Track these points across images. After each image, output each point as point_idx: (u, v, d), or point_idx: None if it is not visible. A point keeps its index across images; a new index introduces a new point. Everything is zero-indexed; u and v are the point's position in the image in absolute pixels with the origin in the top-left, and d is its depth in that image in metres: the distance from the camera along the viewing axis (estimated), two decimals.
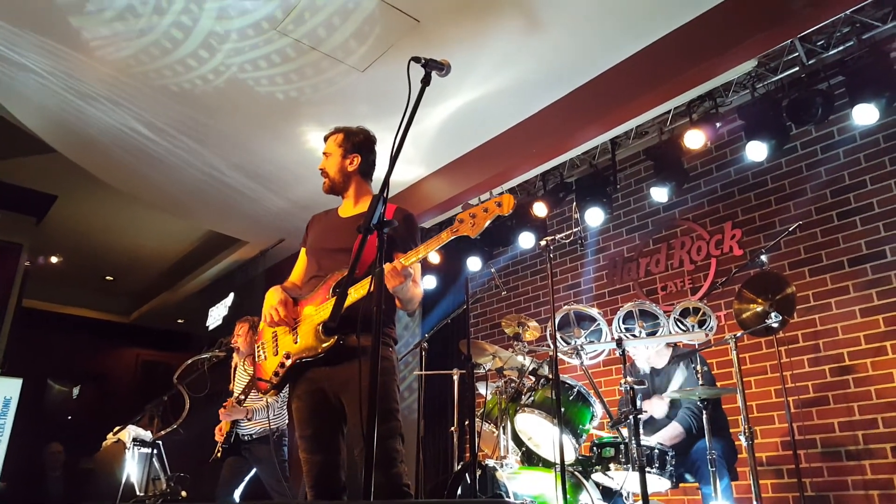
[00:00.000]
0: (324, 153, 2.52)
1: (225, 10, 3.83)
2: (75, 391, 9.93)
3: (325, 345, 2.16)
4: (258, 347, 2.43)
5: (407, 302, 2.29)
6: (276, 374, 2.28)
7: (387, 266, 2.03)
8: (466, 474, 3.22)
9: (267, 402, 4.12)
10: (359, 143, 2.51)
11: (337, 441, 2.24)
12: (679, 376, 3.61)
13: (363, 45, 4.09)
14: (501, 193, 2.04)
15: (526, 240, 5.65)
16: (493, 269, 4.84)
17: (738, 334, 3.14)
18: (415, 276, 2.26)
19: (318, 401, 2.24)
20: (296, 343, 2.25)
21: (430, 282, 6.50)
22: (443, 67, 1.87)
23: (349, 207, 2.52)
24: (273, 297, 2.31)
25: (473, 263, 6.06)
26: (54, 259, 8.34)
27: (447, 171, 5.64)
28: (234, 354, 4.30)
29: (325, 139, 2.56)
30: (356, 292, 2.10)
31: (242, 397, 4.12)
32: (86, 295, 9.96)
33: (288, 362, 2.25)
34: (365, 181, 2.55)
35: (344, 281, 1.75)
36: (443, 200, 5.66)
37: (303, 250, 2.57)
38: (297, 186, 5.90)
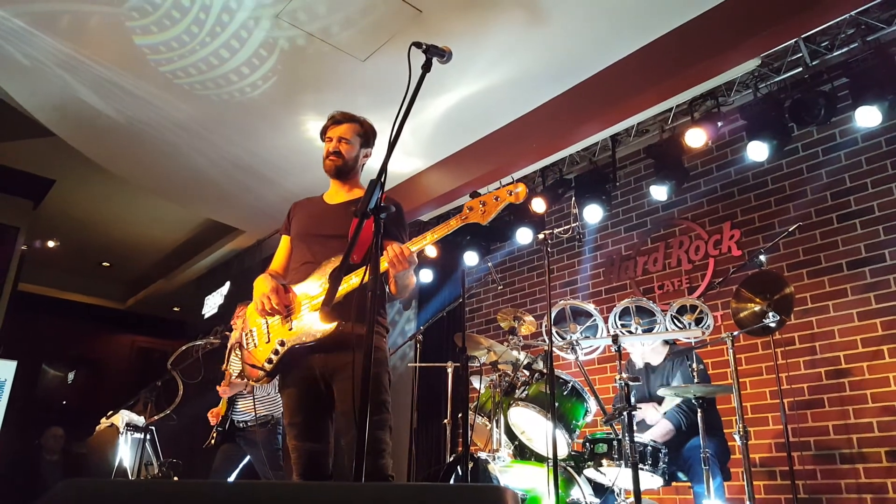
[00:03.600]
0: (341, 137, 2.49)
1: None
2: (70, 376, 9.92)
3: (323, 330, 2.14)
4: (246, 335, 2.40)
5: (403, 289, 2.28)
6: (269, 360, 2.26)
7: (394, 249, 2.04)
8: (458, 466, 3.21)
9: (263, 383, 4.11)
10: (372, 139, 2.59)
11: (326, 429, 2.25)
12: (677, 376, 3.60)
13: (364, 35, 4.06)
14: (510, 183, 2.07)
15: (523, 235, 5.63)
16: (489, 264, 4.84)
17: (735, 333, 3.13)
18: None
19: (309, 388, 2.24)
20: (291, 330, 2.23)
21: (426, 275, 6.49)
22: (444, 54, 1.86)
23: (340, 194, 2.51)
24: (264, 285, 2.28)
25: (470, 258, 6.04)
26: (51, 243, 8.31)
27: (446, 165, 5.62)
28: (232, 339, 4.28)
29: (338, 122, 2.53)
30: (356, 277, 2.09)
31: (240, 380, 4.10)
32: (82, 280, 9.93)
33: (282, 349, 2.23)
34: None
35: (339, 267, 1.76)
36: (441, 194, 5.63)
37: (285, 238, 2.55)
38: (295, 176, 5.87)
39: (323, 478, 2.20)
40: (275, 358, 2.25)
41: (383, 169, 1.63)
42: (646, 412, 3.60)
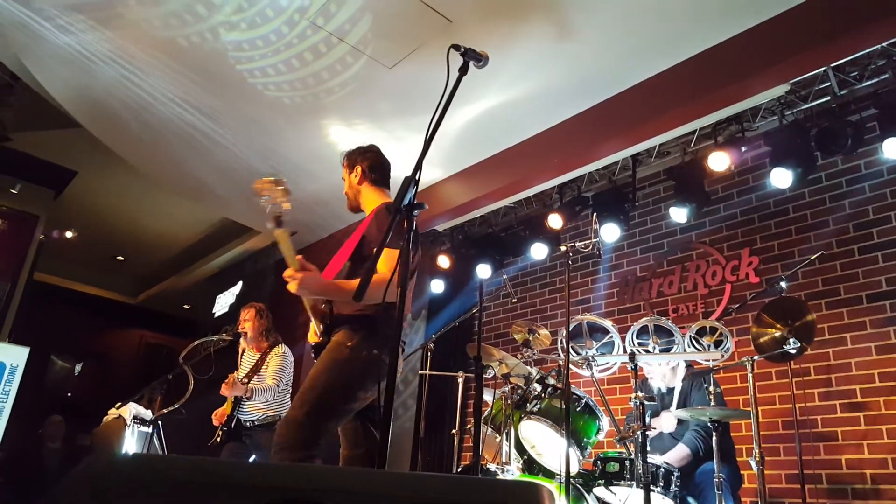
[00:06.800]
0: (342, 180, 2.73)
1: None
2: (77, 368, 9.95)
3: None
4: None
5: (348, 300, 2.24)
6: None
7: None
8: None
9: (267, 386, 4.09)
10: (353, 154, 2.67)
11: (359, 436, 2.34)
12: (693, 397, 3.55)
13: (393, 42, 4.09)
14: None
15: (538, 251, 5.61)
16: (504, 277, 4.80)
17: (755, 357, 3.09)
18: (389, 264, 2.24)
19: None
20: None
21: (437, 285, 6.45)
22: (481, 58, 1.88)
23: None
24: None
25: (483, 271, 6.02)
26: (69, 234, 8.38)
27: (465, 176, 5.63)
28: (242, 339, 4.28)
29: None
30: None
31: (246, 380, 4.10)
32: (95, 273, 10.00)
33: None
34: (373, 187, 2.63)
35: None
36: (458, 205, 5.64)
37: None
38: (314, 180, 5.89)
39: None
40: None
41: (418, 165, 1.63)
42: (661, 423, 3.55)
